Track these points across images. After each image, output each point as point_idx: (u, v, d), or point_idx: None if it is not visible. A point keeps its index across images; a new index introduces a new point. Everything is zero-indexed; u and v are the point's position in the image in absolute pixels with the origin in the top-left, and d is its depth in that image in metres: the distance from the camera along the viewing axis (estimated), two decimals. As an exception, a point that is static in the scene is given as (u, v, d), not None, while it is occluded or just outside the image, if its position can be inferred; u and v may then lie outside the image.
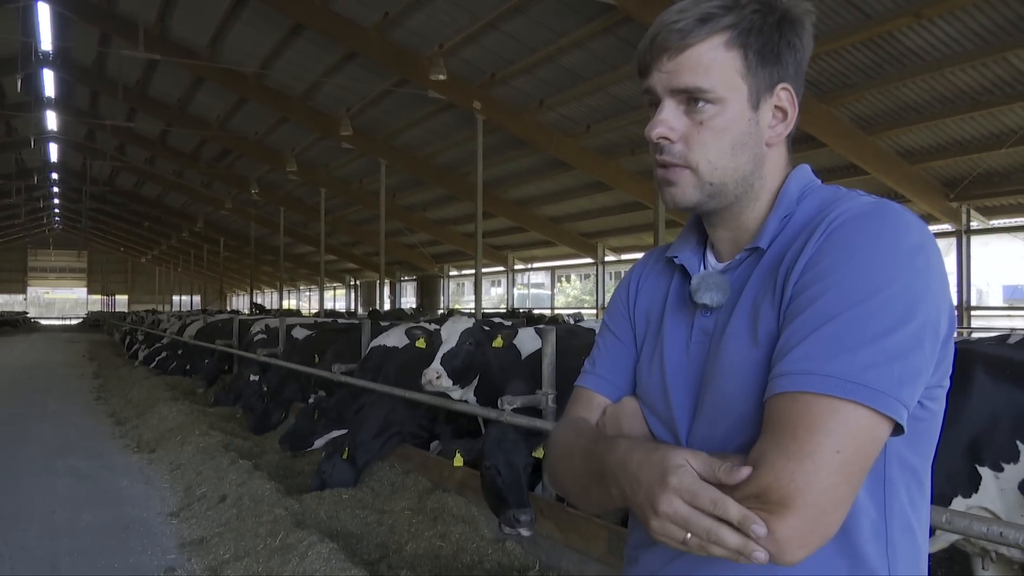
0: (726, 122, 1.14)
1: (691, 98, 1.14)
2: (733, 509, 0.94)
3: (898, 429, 0.99)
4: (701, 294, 1.17)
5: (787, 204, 1.17)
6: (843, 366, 0.97)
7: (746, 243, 1.20)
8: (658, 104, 1.17)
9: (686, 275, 1.25)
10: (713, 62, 1.13)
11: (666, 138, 1.15)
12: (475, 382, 5.53)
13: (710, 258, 1.27)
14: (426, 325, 6.39)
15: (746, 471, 0.96)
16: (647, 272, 1.37)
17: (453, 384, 5.32)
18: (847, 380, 0.96)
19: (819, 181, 1.22)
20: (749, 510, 0.94)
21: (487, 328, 5.67)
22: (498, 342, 5.45)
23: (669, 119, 1.15)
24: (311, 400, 8.19)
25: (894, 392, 0.97)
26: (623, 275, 1.50)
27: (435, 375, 5.21)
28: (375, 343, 7.47)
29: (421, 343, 5.84)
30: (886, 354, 0.97)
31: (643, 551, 1.22)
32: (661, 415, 1.23)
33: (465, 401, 5.55)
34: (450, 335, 5.37)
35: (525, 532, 4.30)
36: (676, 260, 1.27)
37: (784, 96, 1.17)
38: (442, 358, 5.27)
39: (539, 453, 4.47)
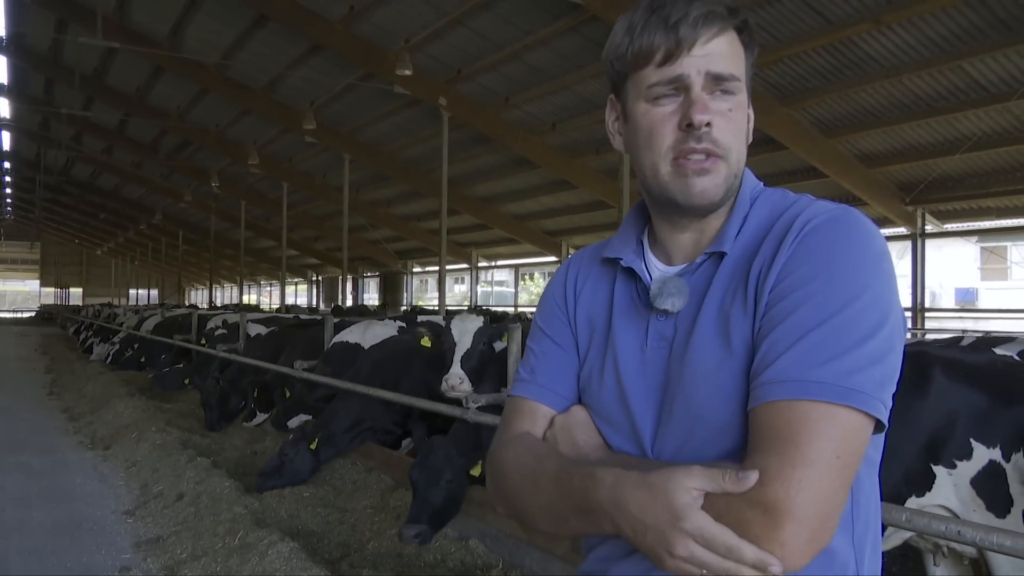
0: (743, 115, 1.15)
1: (720, 87, 1.12)
2: (748, 553, 0.94)
3: (877, 428, 1.02)
4: (663, 299, 1.15)
5: (742, 207, 1.18)
6: (832, 372, 0.98)
7: (705, 246, 1.18)
8: (664, 96, 1.12)
9: (631, 277, 1.23)
10: (736, 53, 1.14)
11: (711, 124, 1.10)
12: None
13: (652, 259, 1.23)
14: (429, 320, 5.94)
15: (753, 476, 0.96)
16: (583, 274, 1.32)
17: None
18: (839, 385, 0.98)
19: (762, 183, 1.23)
20: (754, 522, 0.94)
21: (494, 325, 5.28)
22: (506, 339, 5.01)
23: (710, 104, 1.11)
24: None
25: (878, 394, 0.99)
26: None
27: (458, 380, 4.73)
28: (337, 339, 7.41)
29: (426, 341, 5.43)
30: (868, 358, 0.99)
31: (614, 564, 1.17)
32: (618, 425, 1.19)
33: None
34: (463, 335, 4.92)
35: (417, 543, 4.18)
36: (622, 263, 1.23)
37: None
38: (460, 360, 4.81)
39: (476, 471, 4.33)
